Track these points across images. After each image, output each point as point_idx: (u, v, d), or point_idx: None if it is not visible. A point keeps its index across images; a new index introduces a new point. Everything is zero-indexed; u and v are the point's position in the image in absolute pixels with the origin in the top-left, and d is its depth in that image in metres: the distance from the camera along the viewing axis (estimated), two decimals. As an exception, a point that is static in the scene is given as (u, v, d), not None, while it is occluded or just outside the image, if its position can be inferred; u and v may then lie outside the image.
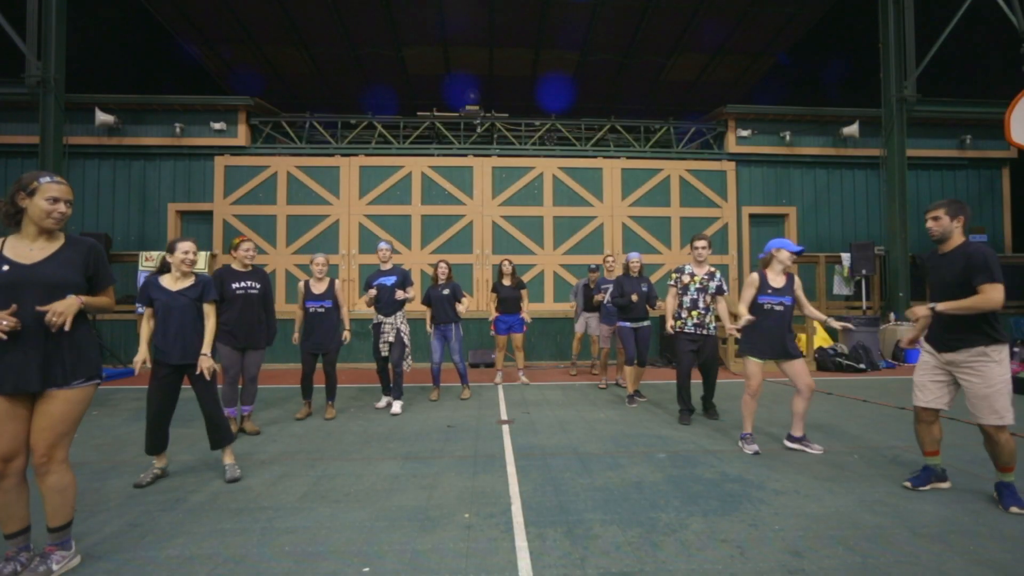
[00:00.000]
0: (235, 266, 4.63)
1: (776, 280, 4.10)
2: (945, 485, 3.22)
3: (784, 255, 4.09)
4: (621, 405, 5.87)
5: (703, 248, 5.04)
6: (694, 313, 5.06)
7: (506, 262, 7.21)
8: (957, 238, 3.02)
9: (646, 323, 6.06)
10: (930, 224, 3.07)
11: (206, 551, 2.44)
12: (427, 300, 6.23)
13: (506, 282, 7.14)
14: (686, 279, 5.11)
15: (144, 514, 2.87)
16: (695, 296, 5.06)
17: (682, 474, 3.51)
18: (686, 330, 5.06)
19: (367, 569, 2.28)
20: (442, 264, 6.29)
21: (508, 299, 7.10)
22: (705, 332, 5.08)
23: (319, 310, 5.23)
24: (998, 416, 2.88)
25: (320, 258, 5.30)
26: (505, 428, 4.81)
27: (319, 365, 5.36)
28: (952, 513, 2.84)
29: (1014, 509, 2.85)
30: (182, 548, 2.48)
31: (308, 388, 5.33)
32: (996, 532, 2.61)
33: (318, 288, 5.26)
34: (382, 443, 4.33)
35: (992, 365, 2.89)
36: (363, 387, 7.22)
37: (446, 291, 6.15)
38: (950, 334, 3.01)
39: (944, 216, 3.01)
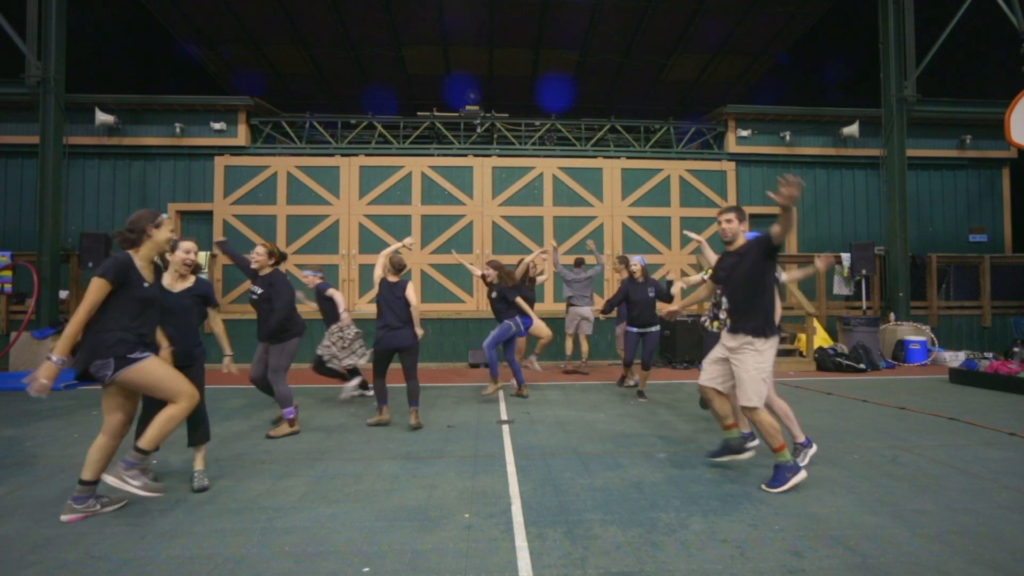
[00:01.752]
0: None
1: None
2: (743, 456, 3.54)
3: None
4: (621, 405, 5.86)
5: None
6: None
7: (534, 265, 7.23)
8: (741, 239, 3.36)
9: (654, 328, 6.07)
10: (724, 226, 3.40)
11: (206, 551, 2.44)
12: (490, 302, 6.30)
13: (527, 283, 7.19)
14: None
15: (144, 514, 2.87)
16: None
17: (682, 474, 3.51)
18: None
19: (367, 569, 2.28)
20: (489, 269, 6.25)
21: (528, 299, 7.04)
22: None
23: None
24: (747, 398, 3.17)
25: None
26: (505, 428, 4.81)
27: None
28: (951, 512, 2.85)
29: (764, 487, 3.17)
30: (182, 548, 2.48)
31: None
32: (996, 532, 2.61)
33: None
34: (382, 443, 4.33)
35: (753, 354, 3.19)
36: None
37: (495, 294, 6.14)
38: (733, 320, 3.37)
39: (735, 219, 3.35)
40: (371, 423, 4.96)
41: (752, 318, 3.21)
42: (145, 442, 2.78)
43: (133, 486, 2.75)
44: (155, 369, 2.82)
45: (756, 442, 3.93)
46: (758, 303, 3.21)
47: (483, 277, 6.20)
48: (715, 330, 4.82)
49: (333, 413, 5.49)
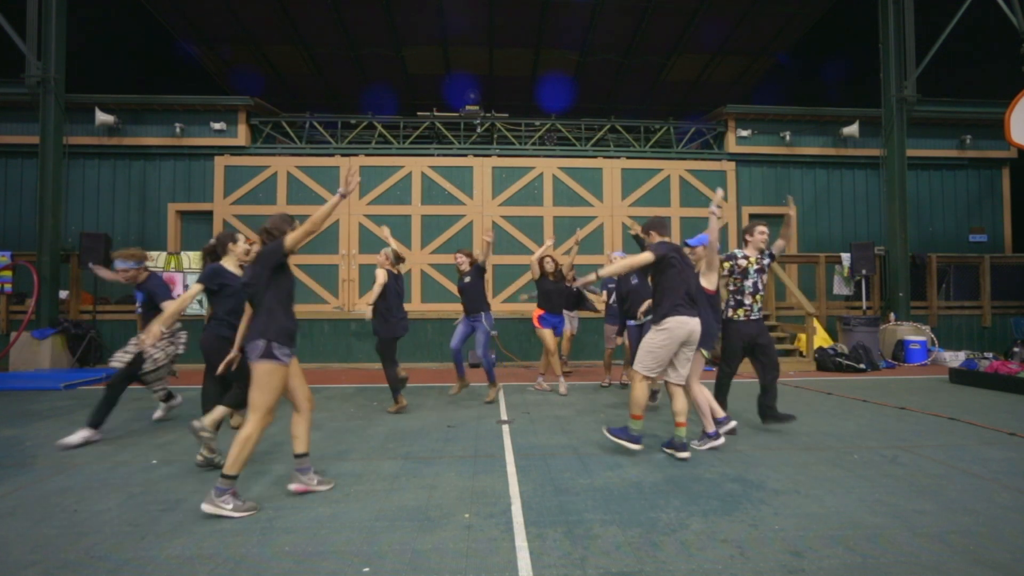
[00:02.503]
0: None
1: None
2: (683, 455, 3.82)
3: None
4: (622, 406, 5.86)
5: (764, 236, 4.82)
6: (758, 297, 4.58)
7: (549, 259, 6.73)
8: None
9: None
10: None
11: (206, 551, 2.44)
12: (460, 293, 6.07)
13: (551, 277, 6.70)
14: (743, 263, 4.64)
15: (144, 514, 2.87)
16: (755, 279, 4.59)
17: (682, 474, 3.51)
18: (752, 317, 4.55)
19: (367, 569, 2.28)
20: (459, 255, 6.01)
21: (553, 292, 6.67)
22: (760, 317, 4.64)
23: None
24: (637, 361, 3.92)
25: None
26: (505, 428, 4.81)
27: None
28: (951, 512, 2.85)
29: (604, 429, 4.02)
30: (182, 548, 2.48)
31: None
32: (996, 532, 2.61)
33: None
34: (382, 443, 4.33)
35: (649, 333, 3.98)
36: (361, 387, 7.22)
37: (468, 278, 5.90)
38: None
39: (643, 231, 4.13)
40: (392, 411, 5.44)
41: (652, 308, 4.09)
42: (228, 467, 2.84)
43: (226, 510, 2.80)
44: (280, 375, 3.00)
45: (727, 428, 4.28)
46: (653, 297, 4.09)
47: (457, 268, 6.05)
48: (740, 318, 4.60)
49: (333, 413, 5.49)
